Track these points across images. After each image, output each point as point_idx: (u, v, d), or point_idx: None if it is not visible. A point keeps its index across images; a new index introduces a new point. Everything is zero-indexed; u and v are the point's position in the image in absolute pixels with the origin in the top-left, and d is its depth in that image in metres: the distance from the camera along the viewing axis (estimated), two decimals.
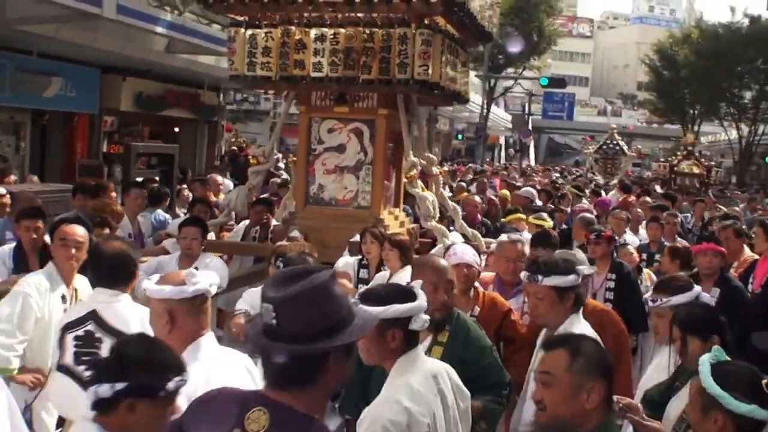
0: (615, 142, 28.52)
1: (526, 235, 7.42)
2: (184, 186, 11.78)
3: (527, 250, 5.82)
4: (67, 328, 3.98)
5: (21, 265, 5.83)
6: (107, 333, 3.97)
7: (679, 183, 21.90)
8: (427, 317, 3.14)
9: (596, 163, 28.61)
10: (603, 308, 5.11)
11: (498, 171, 26.78)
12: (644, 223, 9.95)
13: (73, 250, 4.76)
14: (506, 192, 13.91)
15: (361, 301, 2.99)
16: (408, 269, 6.12)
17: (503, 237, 6.02)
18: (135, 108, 19.37)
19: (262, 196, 9.49)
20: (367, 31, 7.17)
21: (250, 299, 5.58)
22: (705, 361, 2.87)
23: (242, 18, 7.74)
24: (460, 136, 45.64)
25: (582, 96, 76.74)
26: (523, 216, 9.47)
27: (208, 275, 3.30)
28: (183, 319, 3.18)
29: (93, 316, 3.99)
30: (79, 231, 4.86)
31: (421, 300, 3.13)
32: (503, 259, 5.68)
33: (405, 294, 3.13)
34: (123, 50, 15.65)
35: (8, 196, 7.53)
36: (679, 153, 24.31)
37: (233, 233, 8.36)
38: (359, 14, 7.30)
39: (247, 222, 8.38)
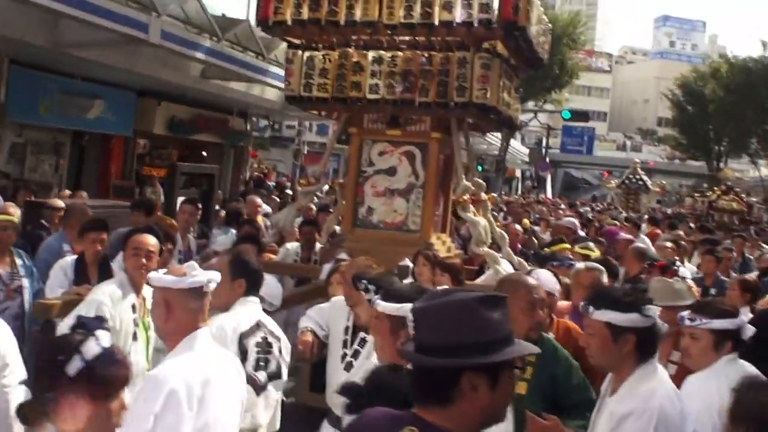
0: (638, 176, 28.31)
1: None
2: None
3: (605, 279, 5.72)
4: (245, 335, 4.13)
5: (81, 276, 5.86)
6: (275, 338, 4.29)
7: (718, 219, 21.28)
8: None
9: (618, 198, 28.44)
10: None
11: (530, 203, 26.76)
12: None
13: (144, 260, 4.82)
14: (527, 221, 13.91)
15: (383, 298, 3.20)
16: None
17: (580, 265, 5.97)
18: (167, 131, 19.67)
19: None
20: (426, 54, 7.21)
21: (316, 316, 5.53)
22: None
23: (298, 41, 7.81)
24: (480, 167, 45.65)
25: (600, 131, 76.33)
26: (567, 245, 9.39)
27: (209, 271, 3.40)
28: (179, 310, 3.27)
29: (261, 323, 4.25)
30: (151, 241, 4.94)
31: None
32: (579, 287, 5.61)
33: None
34: (160, 75, 15.91)
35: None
36: (716, 188, 23.76)
37: (281, 253, 8.35)
38: (417, 38, 7.34)
39: (295, 244, 8.40)
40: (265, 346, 4.20)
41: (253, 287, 4.31)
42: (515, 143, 50.48)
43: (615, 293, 3.54)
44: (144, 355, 4.83)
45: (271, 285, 6.41)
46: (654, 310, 3.37)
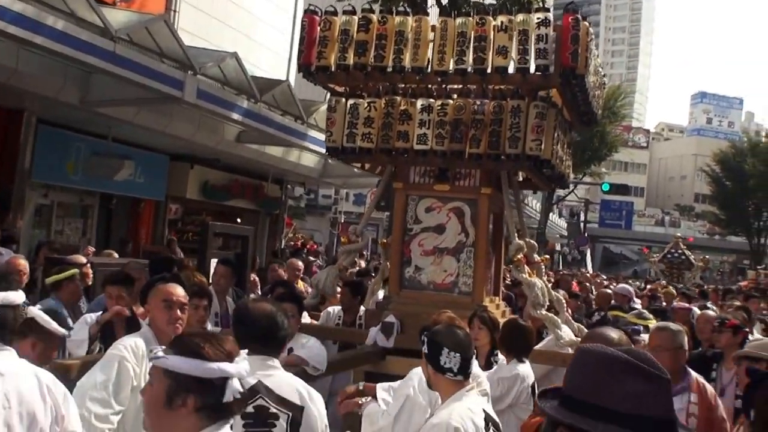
0: (680, 251, 27.63)
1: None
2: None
3: (678, 341, 5.05)
4: None
5: (107, 333, 5.42)
6: (282, 407, 3.46)
7: None
8: (237, 388, 2.35)
9: (662, 273, 27.64)
10: None
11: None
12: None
13: (179, 312, 4.27)
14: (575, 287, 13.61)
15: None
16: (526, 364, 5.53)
17: (653, 325, 5.42)
18: (200, 196, 19.43)
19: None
20: (478, 102, 6.73)
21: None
22: None
23: (342, 89, 7.39)
24: None
25: (638, 206, 76.28)
26: (624, 313, 8.85)
27: None
28: None
29: (261, 388, 3.45)
30: (181, 292, 4.38)
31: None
32: (651, 350, 4.99)
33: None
34: (194, 138, 15.64)
35: (89, 266, 7.32)
36: None
37: (323, 317, 7.81)
38: (470, 86, 6.87)
39: (337, 307, 7.85)
40: (261, 417, 3.41)
41: (255, 344, 3.50)
42: (552, 216, 50.12)
43: None
44: None
45: (314, 348, 5.87)
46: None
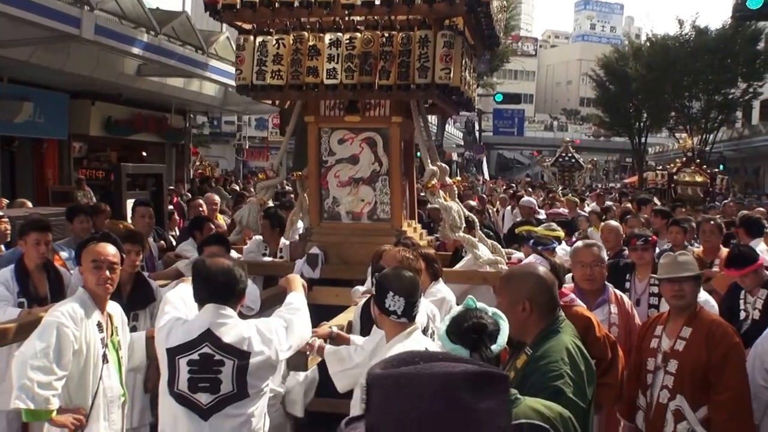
0: (570, 154, 28.93)
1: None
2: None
3: (604, 255, 5.48)
4: (178, 352, 3.58)
5: (27, 286, 5.41)
6: (227, 354, 3.61)
7: (680, 193, 20.00)
8: None
9: (554, 176, 28.71)
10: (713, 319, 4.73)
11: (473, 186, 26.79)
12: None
13: (107, 272, 4.29)
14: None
15: None
16: (439, 284, 5.79)
17: (579, 243, 5.75)
18: (103, 133, 19.15)
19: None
20: (386, 35, 6.84)
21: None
22: None
23: (249, 26, 7.38)
24: (419, 154, 45.62)
25: (528, 113, 79.25)
26: (535, 228, 9.22)
27: None
28: None
29: (208, 336, 3.62)
30: (112, 250, 4.38)
31: None
32: (578, 265, 5.37)
33: None
34: (94, 74, 15.31)
35: (7, 219, 7.05)
36: (678, 160, 22.38)
37: (248, 250, 7.94)
38: (377, 17, 6.96)
39: (258, 238, 7.99)
40: (206, 364, 3.59)
41: (213, 295, 3.72)
42: (448, 128, 50.96)
43: None
44: (117, 378, 4.37)
45: (247, 287, 6.00)
46: None
